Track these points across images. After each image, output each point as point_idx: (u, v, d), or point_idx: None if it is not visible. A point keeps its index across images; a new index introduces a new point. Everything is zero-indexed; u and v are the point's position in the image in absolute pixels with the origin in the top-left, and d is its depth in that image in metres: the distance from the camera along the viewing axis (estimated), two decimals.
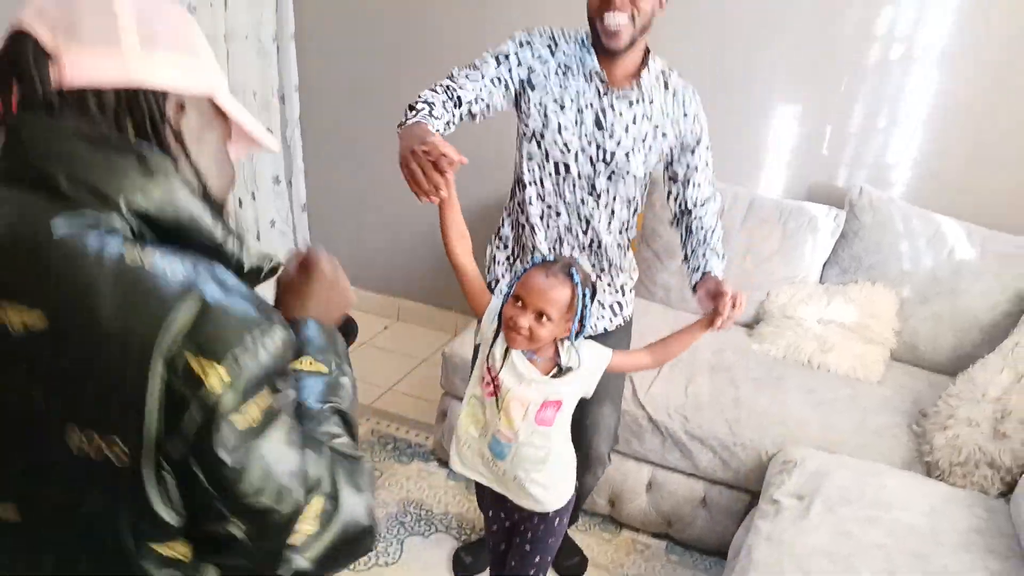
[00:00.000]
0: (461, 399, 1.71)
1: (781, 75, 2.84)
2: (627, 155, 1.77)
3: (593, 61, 1.72)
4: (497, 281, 1.98)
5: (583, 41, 1.76)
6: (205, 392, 0.70)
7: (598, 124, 1.76)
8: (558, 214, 1.84)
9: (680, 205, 1.90)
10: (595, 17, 1.66)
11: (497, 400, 1.62)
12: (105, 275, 0.70)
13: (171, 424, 0.70)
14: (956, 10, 2.58)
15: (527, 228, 1.88)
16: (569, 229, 1.86)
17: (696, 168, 1.84)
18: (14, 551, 0.79)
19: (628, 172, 1.79)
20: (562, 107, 1.75)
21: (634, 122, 1.76)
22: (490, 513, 1.91)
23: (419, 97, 1.63)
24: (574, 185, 1.80)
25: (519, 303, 1.53)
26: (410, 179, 1.42)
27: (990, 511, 1.93)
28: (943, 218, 2.62)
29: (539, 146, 1.79)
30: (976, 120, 2.66)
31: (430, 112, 1.59)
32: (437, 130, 1.57)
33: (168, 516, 0.73)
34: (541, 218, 1.85)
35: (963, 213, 2.65)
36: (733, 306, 1.60)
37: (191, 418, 0.70)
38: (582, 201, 1.82)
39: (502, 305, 1.59)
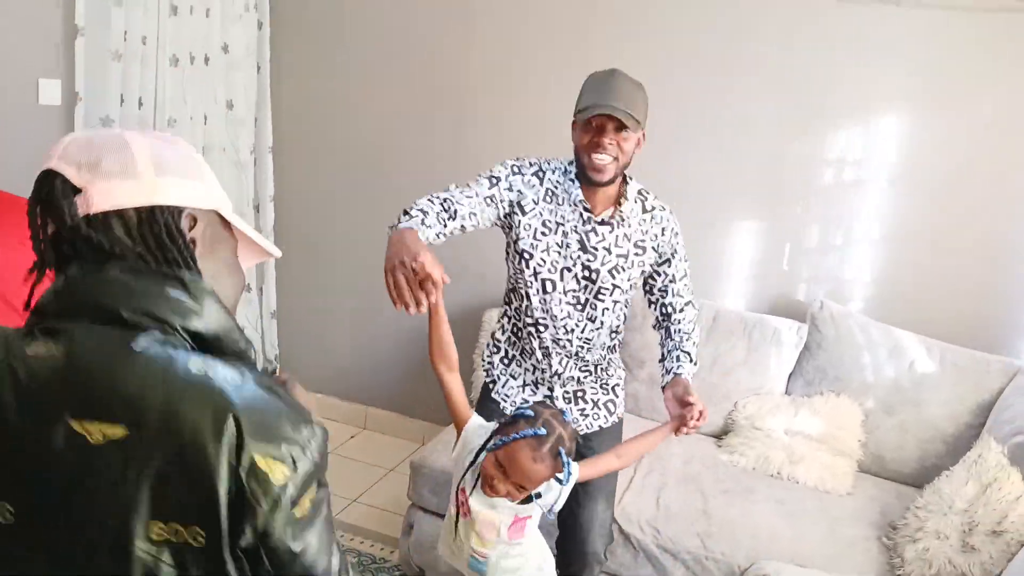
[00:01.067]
0: (428, 511, 1.71)
1: (742, 194, 2.97)
2: (611, 272, 1.91)
3: (577, 191, 1.88)
4: (494, 383, 2.06)
5: (566, 170, 1.92)
6: (270, 487, 0.81)
7: (583, 247, 1.90)
8: (545, 327, 1.95)
9: (661, 310, 2.03)
10: (583, 154, 1.82)
11: (469, 520, 1.64)
12: (181, 382, 0.82)
13: (241, 512, 0.80)
14: (905, 137, 2.76)
15: (521, 334, 2.00)
16: (556, 341, 1.96)
17: (674, 278, 1.99)
18: None
19: (613, 287, 1.93)
20: (550, 230, 1.89)
21: (617, 243, 1.91)
22: None
23: (414, 204, 1.70)
24: (560, 301, 1.92)
25: (501, 469, 1.55)
26: (392, 288, 1.46)
27: None
28: (902, 332, 2.70)
29: (528, 265, 1.91)
30: (927, 238, 2.78)
31: (423, 220, 1.65)
32: (428, 239, 1.64)
33: None
34: (535, 327, 1.96)
35: (920, 327, 2.74)
36: (698, 417, 1.77)
37: (260, 509, 0.81)
38: (568, 315, 1.93)
39: (481, 451, 1.60)
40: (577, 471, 1.68)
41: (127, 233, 0.88)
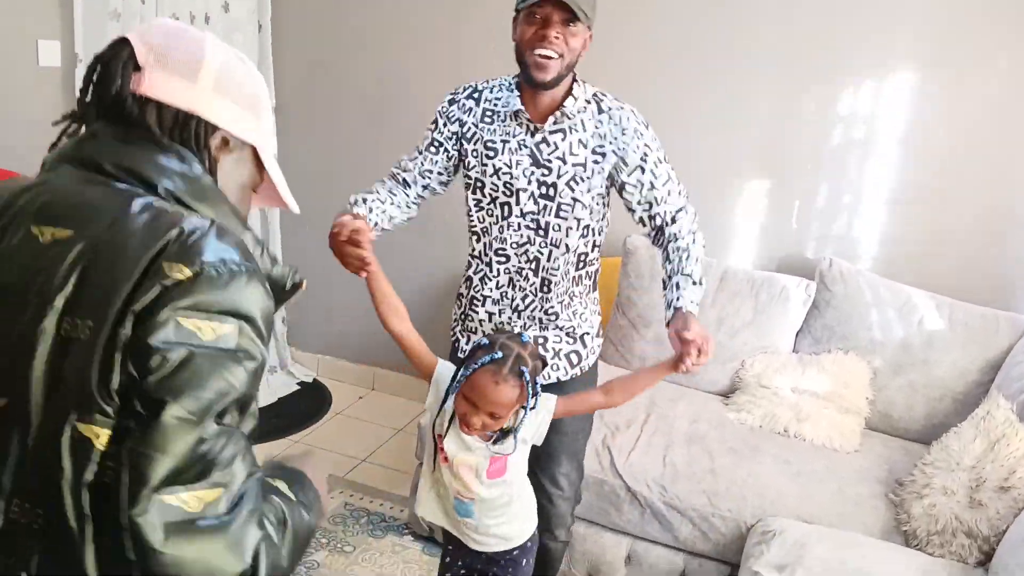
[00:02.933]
0: None
1: (751, 151, 2.93)
2: (569, 184, 1.75)
3: (516, 101, 1.73)
4: (457, 340, 1.96)
5: (509, 84, 1.79)
6: (165, 277, 0.82)
7: (535, 161, 1.75)
8: (507, 258, 1.83)
9: (651, 223, 1.82)
10: (525, 50, 1.67)
11: (449, 465, 1.63)
12: (135, 208, 0.88)
13: (129, 301, 0.82)
14: (914, 93, 2.71)
15: (477, 279, 1.87)
16: (519, 271, 1.83)
17: (652, 185, 1.77)
18: None
19: (574, 201, 1.76)
20: (496, 152, 1.77)
21: (571, 151, 1.74)
22: (458, 564, 1.84)
23: (358, 192, 1.79)
24: (520, 226, 1.79)
25: (470, 402, 1.54)
26: (340, 260, 1.57)
27: None
28: (911, 289, 2.69)
29: (482, 192, 1.80)
30: (936, 196, 2.76)
31: (355, 203, 1.75)
32: (376, 220, 1.73)
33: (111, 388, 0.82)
34: (490, 265, 1.84)
35: (929, 285, 2.72)
36: (699, 353, 1.58)
37: (145, 295, 0.82)
38: (529, 240, 1.80)
39: (448, 392, 1.60)
40: (553, 403, 1.65)
41: (158, 123, 0.93)
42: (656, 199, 1.78)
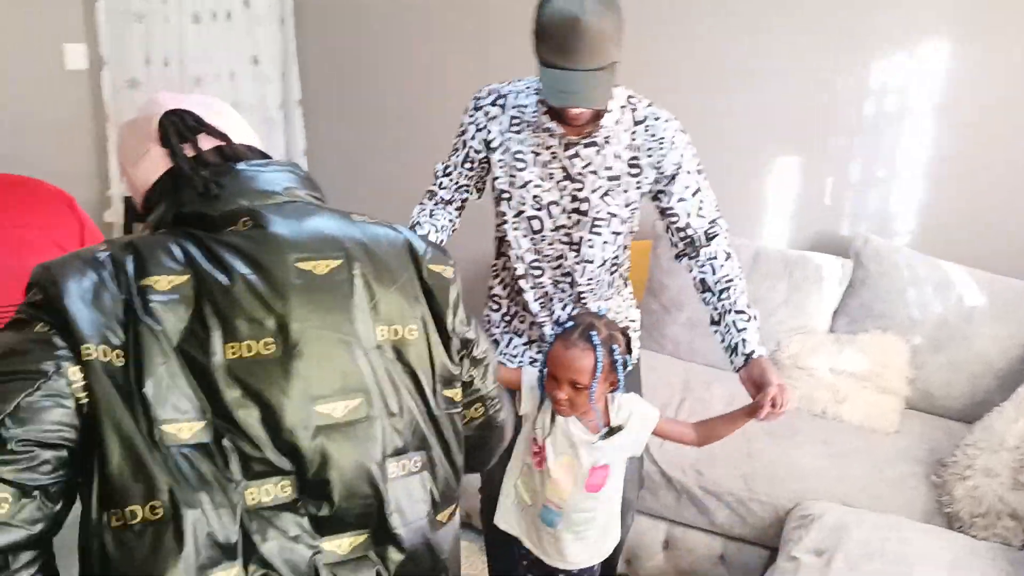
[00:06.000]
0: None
1: (781, 127, 2.87)
2: (603, 198, 1.69)
3: (544, 118, 1.65)
4: (496, 343, 1.92)
5: (536, 89, 1.68)
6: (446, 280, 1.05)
7: (567, 175, 1.68)
8: (541, 271, 1.78)
9: (679, 235, 1.74)
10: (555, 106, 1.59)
11: (545, 470, 1.64)
12: (358, 223, 1.04)
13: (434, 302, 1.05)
14: (948, 61, 2.63)
15: (515, 288, 1.83)
16: (555, 284, 1.79)
17: (684, 198, 1.69)
18: None
19: (610, 216, 1.70)
20: (525, 163, 1.69)
21: (606, 165, 1.66)
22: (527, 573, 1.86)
23: (410, 220, 1.77)
24: (553, 240, 1.74)
25: (553, 378, 1.57)
26: None
27: (1013, 564, 1.89)
28: (949, 264, 2.62)
29: (510, 205, 1.73)
30: (973, 168, 2.68)
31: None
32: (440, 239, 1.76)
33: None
34: (524, 277, 1.80)
35: (968, 259, 2.65)
36: (771, 405, 1.54)
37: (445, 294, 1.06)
38: (562, 255, 1.75)
39: (539, 380, 1.64)
40: (656, 417, 1.66)
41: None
42: (688, 211, 1.71)
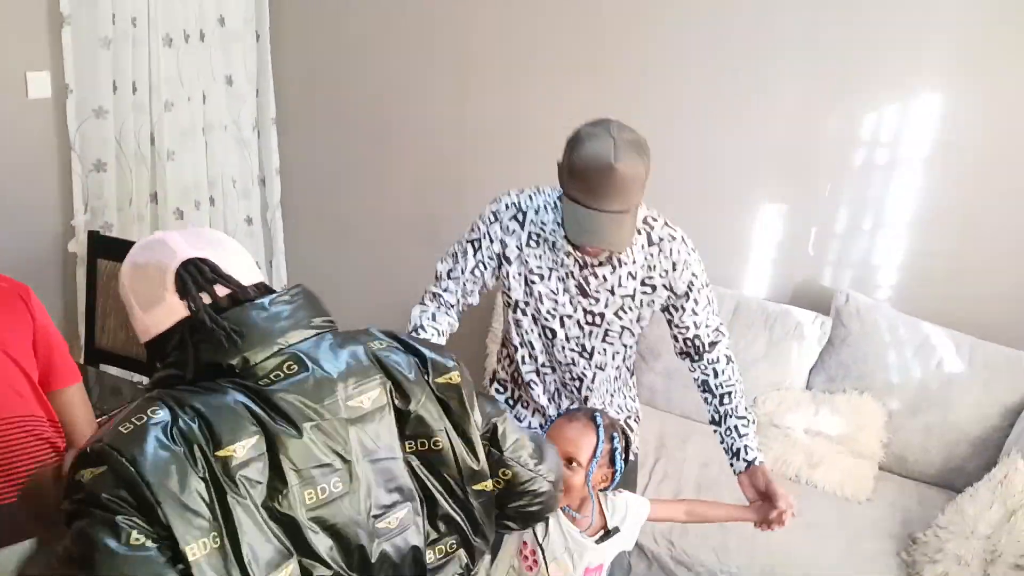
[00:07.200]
0: None
1: (767, 175, 2.82)
2: (617, 314, 1.74)
3: (564, 241, 1.68)
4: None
5: (555, 205, 1.70)
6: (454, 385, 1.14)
7: (582, 292, 1.72)
8: (552, 370, 1.84)
9: (685, 344, 1.81)
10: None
11: (537, 574, 1.61)
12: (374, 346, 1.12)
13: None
14: (938, 117, 2.58)
15: (524, 384, 1.87)
16: (564, 385, 1.85)
17: (693, 311, 1.76)
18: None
19: (623, 329, 1.76)
20: (541, 277, 1.72)
21: (620, 284, 1.71)
22: None
23: (409, 323, 1.73)
24: (563, 348, 1.78)
25: None
26: None
27: None
28: (931, 327, 2.60)
29: (525, 314, 1.77)
30: (960, 224, 2.64)
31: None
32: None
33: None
34: (537, 374, 1.84)
35: (950, 319, 2.63)
36: (779, 517, 1.65)
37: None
38: (572, 362, 1.80)
39: None
40: (647, 507, 1.68)
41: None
42: (696, 323, 1.77)
